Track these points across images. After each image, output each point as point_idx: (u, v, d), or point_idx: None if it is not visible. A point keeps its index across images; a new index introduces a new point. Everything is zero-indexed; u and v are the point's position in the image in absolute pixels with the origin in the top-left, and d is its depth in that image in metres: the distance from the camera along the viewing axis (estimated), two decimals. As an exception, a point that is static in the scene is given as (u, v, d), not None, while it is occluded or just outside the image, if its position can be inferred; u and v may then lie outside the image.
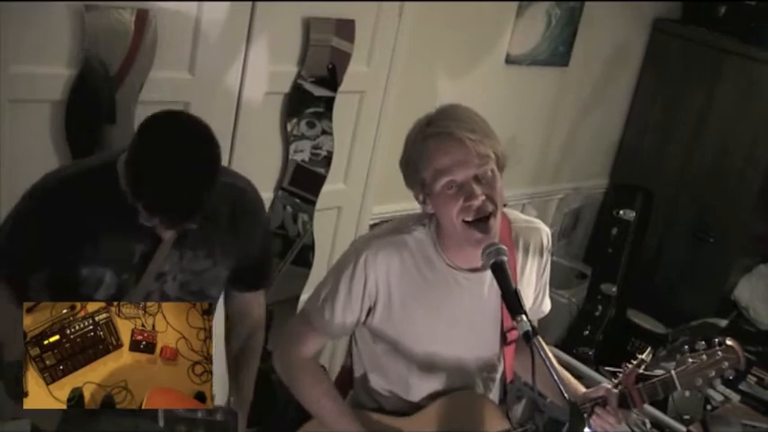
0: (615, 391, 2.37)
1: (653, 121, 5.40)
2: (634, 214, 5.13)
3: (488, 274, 2.20)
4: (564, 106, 4.96)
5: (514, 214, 2.41)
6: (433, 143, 2.13)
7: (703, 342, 2.40)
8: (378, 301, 2.27)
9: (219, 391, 2.48)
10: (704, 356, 2.36)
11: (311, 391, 2.37)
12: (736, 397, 4.52)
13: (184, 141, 2.03)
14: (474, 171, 2.11)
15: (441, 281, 2.27)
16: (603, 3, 4.78)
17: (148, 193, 1.99)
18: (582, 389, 2.46)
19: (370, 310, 2.30)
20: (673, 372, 2.37)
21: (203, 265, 2.29)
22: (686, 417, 4.20)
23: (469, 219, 2.13)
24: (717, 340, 2.40)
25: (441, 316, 2.30)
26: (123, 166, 2.06)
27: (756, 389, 4.63)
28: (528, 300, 2.36)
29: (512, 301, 2.13)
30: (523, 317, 2.10)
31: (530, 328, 2.07)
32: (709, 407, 4.39)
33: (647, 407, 4.09)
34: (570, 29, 4.72)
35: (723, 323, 5.02)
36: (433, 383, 2.37)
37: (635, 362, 2.97)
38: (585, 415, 2.28)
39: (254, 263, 2.46)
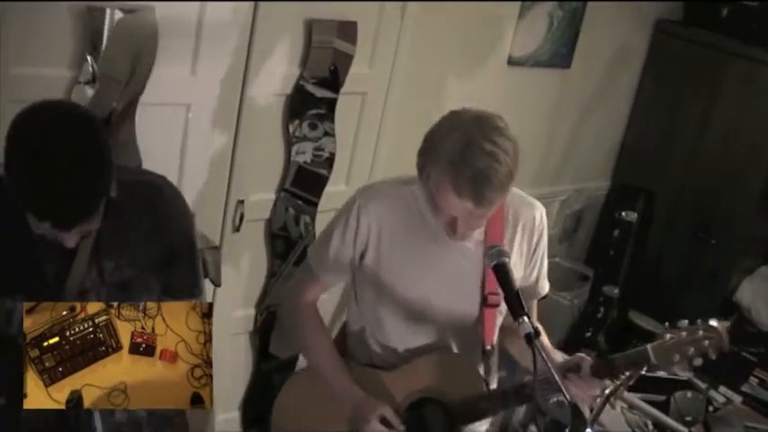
0: (588, 359, 2.37)
1: (655, 123, 5.40)
2: (636, 216, 5.13)
3: (480, 232, 2.34)
4: (566, 108, 4.96)
5: (512, 190, 2.37)
6: (448, 183, 2.13)
7: (686, 321, 2.38)
8: (368, 247, 2.37)
9: (218, 395, 2.47)
10: (683, 333, 2.34)
11: (308, 336, 2.51)
12: (738, 398, 4.52)
13: (58, 128, 1.80)
14: (473, 217, 2.21)
15: (430, 235, 2.35)
16: (605, 4, 4.77)
17: (29, 191, 1.79)
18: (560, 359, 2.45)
19: (362, 255, 2.39)
20: (648, 345, 2.36)
21: (127, 275, 2.09)
22: (688, 418, 4.20)
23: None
24: (699, 320, 2.37)
25: (426, 268, 2.37)
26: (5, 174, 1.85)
27: (758, 390, 4.62)
28: (516, 273, 2.35)
29: (513, 302, 2.18)
30: (525, 318, 2.13)
31: (531, 330, 2.10)
32: (711, 408, 4.39)
33: (651, 410, 4.10)
34: (572, 30, 4.72)
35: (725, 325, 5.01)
36: (416, 337, 2.44)
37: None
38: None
39: (183, 269, 2.23)
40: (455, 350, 2.48)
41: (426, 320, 2.44)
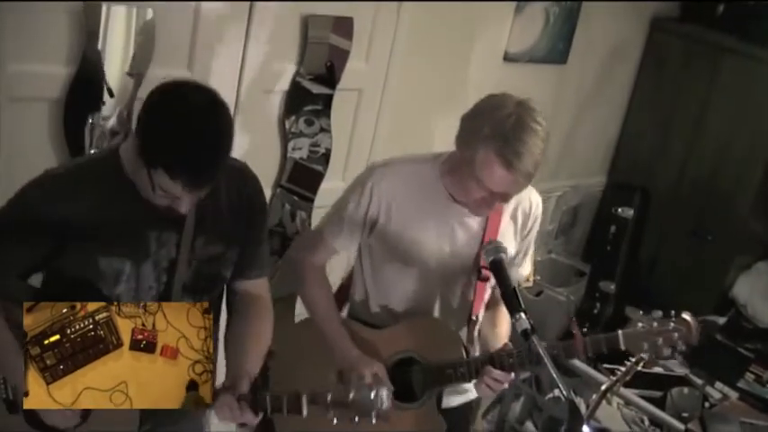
0: (510, 346, 2.51)
1: (651, 119, 5.41)
2: (632, 212, 5.14)
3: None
4: (562, 104, 4.96)
5: None
6: (496, 156, 2.27)
7: (660, 312, 2.47)
8: (379, 219, 2.53)
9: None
10: (655, 323, 2.47)
11: (314, 293, 2.67)
12: (734, 394, 4.52)
13: (197, 100, 1.97)
14: (508, 192, 2.36)
15: (437, 209, 2.51)
16: (602, 1, 4.77)
17: (168, 151, 1.92)
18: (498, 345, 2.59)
19: (372, 226, 2.55)
20: (619, 331, 2.47)
21: (213, 250, 2.22)
22: (685, 414, 4.20)
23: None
24: (673, 312, 2.51)
25: (432, 237, 2.53)
26: (132, 144, 2.01)
27: (755, 386, 4.63)
28: (510, 250, 2.51)
29: (510, 298, 2.26)
30: (522, 314, 2.17)
31: (528, 326, 2.15)
32: (707, 404, 4.40)
33: (648, 406, 4.10)
34: (568, 26, 4.72)
35: (721, 321, 5.02)
36: (412, 302, 2.61)
37: (633, 359, 2.98)
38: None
39: (259, 247, 2.38)
40: (440, 315, 2.63)
41: (425, 285, 2.59)
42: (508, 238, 2.58)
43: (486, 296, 2.67)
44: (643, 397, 4.21)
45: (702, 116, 5.19)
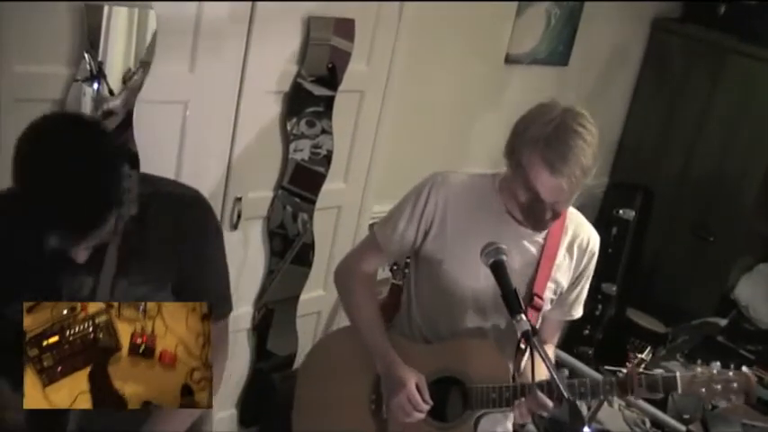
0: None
1: (653, 120, 5.40)
2: (634, 213, 5.14)
3: (541, 236, 2.47)
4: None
5: (576, 212, 2.60)
6: (540, 159, 2.26)
7: (718, 363, 2.46)
8: (432, 228, 2.48)
9: (217, 398, 2.46)
10: (714, 372, 2.42)
11: (360, 300, 2.61)
12: (735, 396, 4.51)
13: (62, 137, 1.80)
14: (557, 198, 2.33)
15: (493, 224, 2.46)
16: (603, 2, 4.77)
17: (36, 203, 1.76)
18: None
19: (425, 235, 2.50)
20: (678, 374, 2.42)
21: (140, 292, 2.03)
22: (686, 416, 4.20)
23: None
24: (732, 365, 2.46)
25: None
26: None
27: (757, 388, 4.62)
28: (558, 283, 2.54)
29: (510, 299, 2.25)
30: (522, 316, 2.17)
31: (529, 328, 2.15)
32: (708, 406, 4.39)
33: (649, 408, 4.10)
34: (570, 28, 4.72)
35: (723, 322, 5.02)
36: (461, 321, 2.53)
37: (635, 361, 2.97)
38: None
39: (205, 284, 2.17)
40: (491, 340, 2.54)
41: (474, 308, 2.52)
42: (563, 271, 2.55)
43: (537, 324, 2.55)
44: (644, 399, 4.20)
45: (704, 117, 5.19)
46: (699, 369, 2.43)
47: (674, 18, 5.34)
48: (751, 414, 4.31)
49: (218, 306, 2.17)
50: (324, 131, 3.64)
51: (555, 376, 2.16)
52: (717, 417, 4.22)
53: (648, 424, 4.12)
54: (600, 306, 5.07)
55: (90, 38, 2.80)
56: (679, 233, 5.32)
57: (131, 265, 2.02)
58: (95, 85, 2.85)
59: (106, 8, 2.81)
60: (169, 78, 3.07)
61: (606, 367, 4.26)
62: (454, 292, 2.50)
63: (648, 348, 3.11)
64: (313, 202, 3.74)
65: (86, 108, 2.85)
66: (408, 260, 2.73)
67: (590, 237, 2.60)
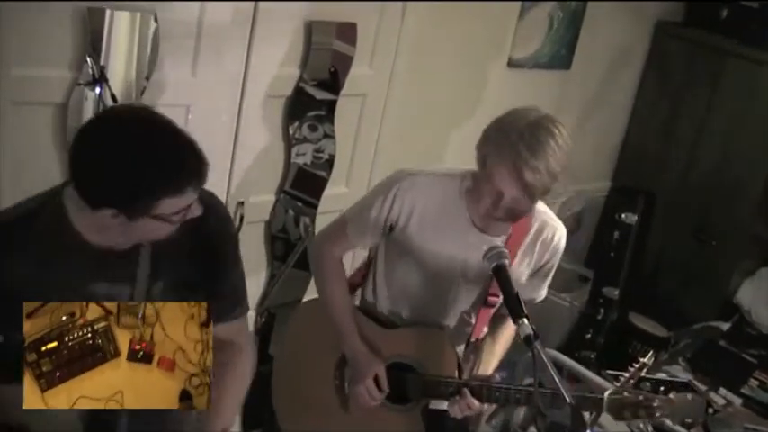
0: (496, 378, 2.63)
1: (655, 124, 5.40)
2: (636, 217, 5.12)
3: (501, 239, 2.51)
4: (566, 109, 4.95)
5: (544, 207, 2.61)
6: (509, 163, 2.27)
7: (648, 384, 2.54)
8: (397, 225, 2.57)
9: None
10: (641, 397, 2.53)
11: (331, 285, 2.74)
12: (738, 400, 4.51)
13: (144, 125, 1.84)
14: (521, 200, 2.33)
15: (455, 228, 2.52)
16: (606, 5, 4.77)
17: (165, 170, 1.82)
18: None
19: (391, 229, 2.59)
20: (606, 394, 2.55)
21: (177, 297, 2.05)
22: (688, 420, 4.19)
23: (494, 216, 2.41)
24: (662, 388, 2.68)
25: (442, 256, 2.55)
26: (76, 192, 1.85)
27: (758, 392, 4.61)
28: (520, 276, 2.60)
29: (513, 304, 2.27)
30: (525, 320, 2.18)
31: (531, 332, 2.16)
32: (711, 410, 4.39)
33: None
34: (572, 32, 4.72)
35: (725, 326, 5.01)
36: (420, 309, 2.67)
37: (637, 365, 2.98)
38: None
39: (228, 285, 2.21)
40: (447, 331, 2.67)
41: (432, 296, 2.63)
42: (521, 269, 2.61)
43: (488, 319, 2.70)
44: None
45: (706, 120, 5.18)
46: (625, 393, 2.53)
47: (676, 21, 5.34)
48: (754, 419, 4.31)
49: (237, 304, 2.25)
50: (326, 136, 3.65)
51: (558, 380, 2.16)
52: (719, 421, 4.22)
53: (650, 428, 4.11)
54: (602, 310, 5.06)
55: (92, 41, 2.80)
56: (681, 237, 5.32)
57: (164, 269, 2.05)
58: (97, 89, 2.86)
59: (108, 12, 2.82)
60: (171, 82, 3.07)
61: (608, 371, 4.25)
62: (418, 283, 2.62)
63: (651, 352, 3.10)
64: (315, 207, 3.74)
65: (88, 112, 2.86)
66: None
67: (554, 233, 2.63)
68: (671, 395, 2.50)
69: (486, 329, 2.73)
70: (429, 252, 2.55)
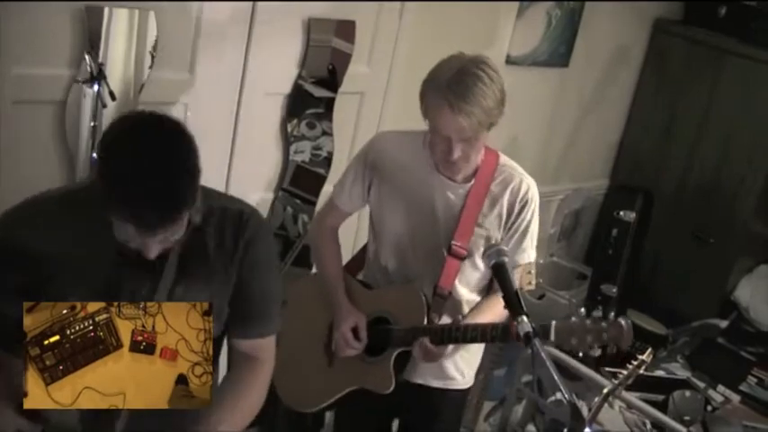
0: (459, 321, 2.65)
1: (654, 122, 5.40)
2: (634, 215, 5.13)
3: (467, 186, 2.63)
4: (564, 107, 4.96)
5: (508, 160, 2.72)
6: (444, 100, 2.43)
7: (600, 312, 2.52)
8: (373, 181, 2.73)
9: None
10: (588, 321, 2.47)
11: (323, 249, 2.92)
12: (736, 398, 4.52)
13: (147, 133, 1.84)
14: (459, 137, 2.47)
15: (421, 176, 2.66)
16: (604, 3, 4.77)
17: (114, 193, 1.80)
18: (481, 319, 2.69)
19: (369, 188, 2.75)
20: (553, 322, 2.50)
21: (197, 299, 2.03)
22: (686, 418, 4.19)
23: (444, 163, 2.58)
24: (612, 314, 2.65)
25: (415, 202, 2.67)
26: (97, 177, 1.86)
27: (757, 390, 4.63)
28: (486, 232, 2.67)
29: (512, 301, 2.27)
30: (524, 317, 2.18)
31: (530, 329, 2.15)
32: (709, 408, 4.40)
33: (650, 409, 4.09)
34: (571, 29, 4.72)
35: (723, 324, 5.02)
36: (402, 265, 2.76)
37: (635, 362, 2.98)
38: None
39: (259, 303, 2.18)
40: (415, 284, 2.73)
41: (407, 252, 2.74)
42: (491, 219, 2.65)
43: (463, 274, 2.72)
44: (645, 400, 4.20)
45: (705, 119, 5.19)
46: (573, 318, 2.49)
47: (674, 20, 5.34)
48: (752, 416, 4.31)
49: (267, 322, 2.22)
50: (324, 133, 3.65)
51: (554, 374, 2.15)
52: (717, 418, 4.23)
53: (649, 426, 4.12)
54: (600, 307, 5.06)
55: (90, 39, 2.80)
56: (679, 235, 5.32)
57: (191, 273, 2.05)
58: (96, 87, 2.86)
59: (107, 10, 2.82)
60: (170, 80, 3.07)
61: (607, 369, 4.26)
62: (394, 239, 2.74)
63: (649, 350, 3.10)
64: (313, 204, 3.75)
65: (86, 110, 2.86)
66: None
67: (521, 184, 2.68)
68: (620, 320, 2.47)
69: (457, 281, 2.74)
70: (399, 209, 2.69)
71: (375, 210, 2.79)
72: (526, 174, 2.71)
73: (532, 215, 2.69)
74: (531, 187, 2.69)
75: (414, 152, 2.67)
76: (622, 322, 2.46)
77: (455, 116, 2.41)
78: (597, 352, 2.54)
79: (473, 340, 2.63)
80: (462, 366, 2.85)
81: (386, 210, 2.73)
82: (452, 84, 2.43)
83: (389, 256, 2.78)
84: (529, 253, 2.74)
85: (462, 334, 2.59)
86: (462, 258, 2.67)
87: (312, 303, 2.93)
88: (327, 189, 3.74)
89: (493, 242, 2.61)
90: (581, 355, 2.73)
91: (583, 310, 2.60)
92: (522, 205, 2.67)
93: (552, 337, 2.47)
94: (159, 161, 1.81)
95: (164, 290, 2.03)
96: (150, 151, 1.81)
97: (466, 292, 2.75)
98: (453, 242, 2.64)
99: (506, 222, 2.68)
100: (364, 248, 2.97)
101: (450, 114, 2.42)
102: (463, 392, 2.94)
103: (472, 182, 2.64)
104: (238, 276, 2.12)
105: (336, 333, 2.77)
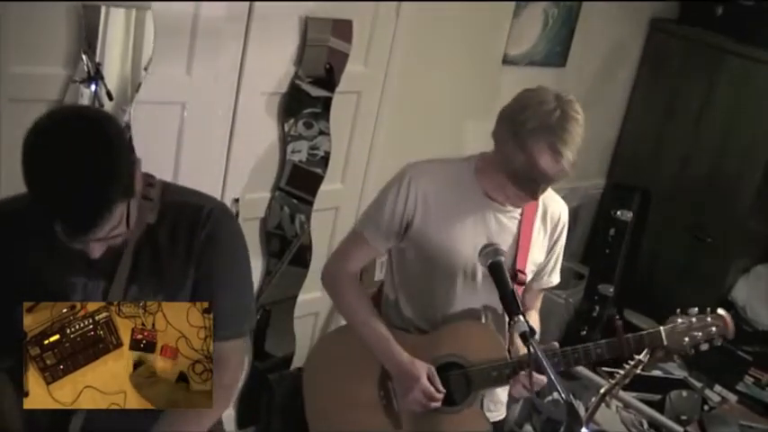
0: (555, 346, 2.57)
1: (650, 121, 5.41)
2: (631, 214, 5.13)
3: (518, 212, 2.54)
4: (561, 106, 4.96)
5: None
6: (551, 148, 2.34)
7: (696, 309, 2.67)
8: (415, 217, 2.51)
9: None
10: (694, 319, 2.60)
11: (351, 301, 2.64)
12: (733, 397, 4.53)
13: (66, 129, 1.79)
14: (555, 180, 2.41)
15: (473, 207, 2.52)
16: (601, 2, 4.78)
17: (41, 197, 1.77)
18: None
19: (408, 224, 2.53)
20: (661, 327, 2.59)
21: (152, 298, 1.99)
22: (683, 417, 4.20)
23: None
24: (708, 309, 2.67)
25: (467, 237, 2.50)
26: None
27: (753, 389, 4.63)
28: (535, 257, 2.62)
29: (509, 301, 2.28)
30: (520, 317, 2.18)
31: (527, 329, 2.16)
32: (706, 407, 4.40)
33: (647, 409, 4.10)
34: (567, 29, 4.72)
35: (721, 323, 5.02)
36: (452, 302, 2.57)
37: (632, 362, 2.98)
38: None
39: (225, 301, 2.07)
40: (483, 320, 2.61)
41: (462, 286, 2.55)
42: (539, 245, 2.61)
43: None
44: (642, 400, 4.21)
45: (701, 118, 5.19)
46: (679, 320, 2.61)
47: (671, 19, 5.35)
48: (749, 416, 4.32)
49: (230, 323, 2.09)
50: (321, 132, 3.65)
51: (553, 378, 2.16)
52: (714, 417, 4.24)
53: (646, 425, 4.12)
54: (597, 307, 5.07)
55: (87, 39, 2.80)
56: (676, 234, 5.32)
57: (145, 272, 2.01)
58: (93, 87, 2.85)
59: (104, 9, 2.81)
60: (167, 79, 3.07)
61: (604, 368, 4.26)
62: (448, 273, 2.54)
63: (646, 350, 3.11)
64: (310, 204, 3.74)
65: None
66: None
67: (560, 209, 2.68)
68: (720, 311, 2.62)
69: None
70: (453, 239, 2.50)
71: (413, 251, 2.57)
72: (557, 196, 2.71)
73: (565, 238, 2.71)
74: (563, 211, 2.70)
75: (461, 180, 2.54)
76: (723, 313, 2.59)
77: (560, 161, 2.35)
78: (705, 347, 2.64)
79: (599, 357, 2.63)
80: (503, 396, 2.77)
81: (432, 247, 2.52)
82: (559, 129, 2.37)
83: (431, 297, 2.59)
84: (558, 274, 2.80)
85: (584, 355, 2.60)
86: (523, 284, 2.59)
87: (348, 363, 2.70)
88: (324, 189, 3.74)
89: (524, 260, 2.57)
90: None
91: (678, 310, 2.70)
92: (561, 229, 2.69)
93: (665, 342, 2.57)
94: (75, 160, 1.75)
95: (118, 289, 1.99)
96: (65, 150, 1.76)
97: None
98: (518, 270, 2.56)
99: (550, 243, 2.67)
100: (376, 292, 2.80)
101: (556, 159, 2.34)
102: (503, 421, 2.84)
103: (522, 207, 2.57)
104: (198, 274, 2.04)
105: (411, 393, 2.52)
